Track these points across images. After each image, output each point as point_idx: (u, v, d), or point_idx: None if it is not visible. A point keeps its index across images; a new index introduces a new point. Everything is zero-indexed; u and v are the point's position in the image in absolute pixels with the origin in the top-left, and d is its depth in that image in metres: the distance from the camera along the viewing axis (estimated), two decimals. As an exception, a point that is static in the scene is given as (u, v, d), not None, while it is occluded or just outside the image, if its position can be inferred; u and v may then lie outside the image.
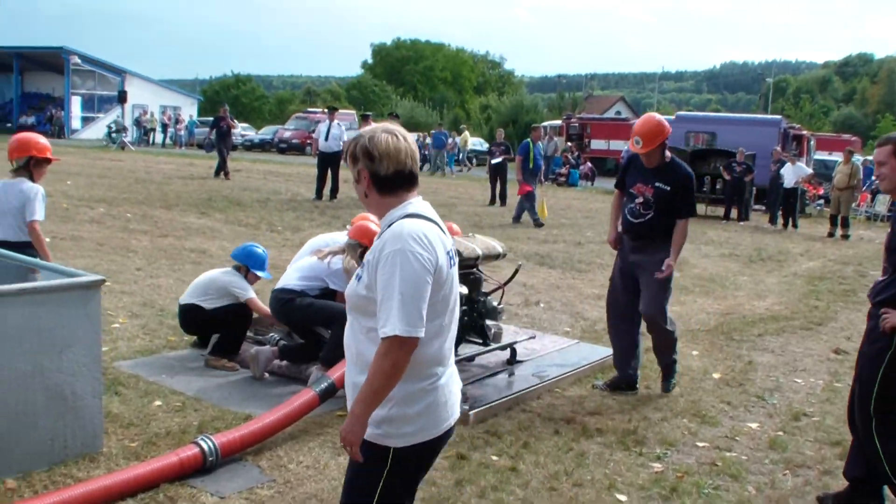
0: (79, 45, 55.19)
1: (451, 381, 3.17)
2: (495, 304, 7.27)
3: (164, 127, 53.64)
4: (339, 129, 21.46)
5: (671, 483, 5.26)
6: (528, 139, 19.92)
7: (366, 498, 3.07)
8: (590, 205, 25.94)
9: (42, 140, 6.74)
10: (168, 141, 53.34)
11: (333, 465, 5.24)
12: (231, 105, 52.10)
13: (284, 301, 6.76)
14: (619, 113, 69.41)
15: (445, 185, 30.45)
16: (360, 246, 6.64)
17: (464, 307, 6.79)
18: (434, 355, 3.04)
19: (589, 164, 38.54)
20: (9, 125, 53.68)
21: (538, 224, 18.74)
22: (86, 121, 54.59)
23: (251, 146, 51.48)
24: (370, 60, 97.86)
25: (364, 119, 21.83)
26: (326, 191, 21.34)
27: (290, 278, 6.90)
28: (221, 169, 26.02)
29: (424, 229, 2.97)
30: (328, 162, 21.30)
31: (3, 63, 56.27)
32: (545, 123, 46.48)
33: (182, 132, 53.21)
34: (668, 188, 6.58)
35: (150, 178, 25.03)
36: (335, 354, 6.23)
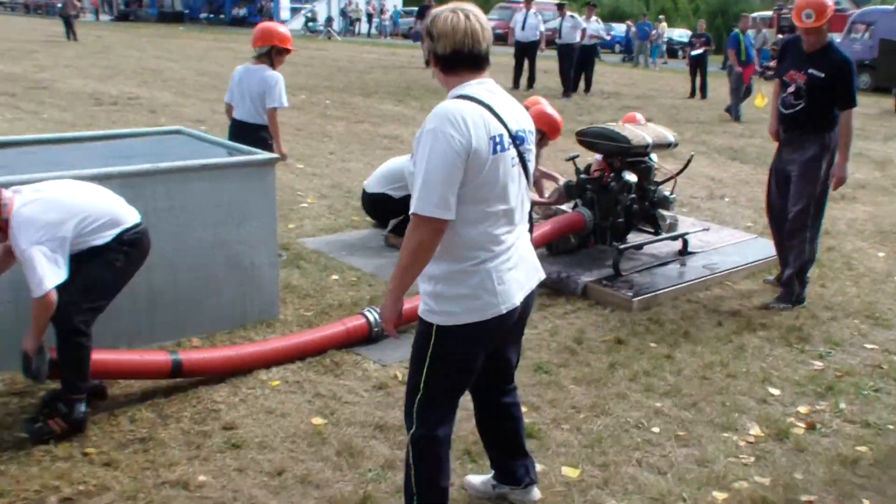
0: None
1: (506, 268, 3.08)
2: (667, 193, 7.13)
3: (370, 17, 54.36)
4: (536, 19, 21.12)
5: (829, 381, 5.11)
6: (737, 29, 19.00)
7: (417, 376, 3.19)
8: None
9: (283, 30, 6.91)
10: (373, 31, 54.13)
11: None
12: (440, -1, 52.08)
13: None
14: (837, 3, 64.90)
15: (647, 77, 29.62)
16: (538, 132, 6.64)
17: (632, 196, 6.72)
18: (476, 239, 3.01)
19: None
20: (221, 16, 55.95)
21: (737, 117, 18.01)
22: (294, 11, 55.90)
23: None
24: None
25: (559, 8, 21.37)
26: (523, 80, 21.19)
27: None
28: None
29: (464, 111, 2.91)
30: (525, 51, 21.06)
31: (218, -44, 58.28)
32: (754, 14, 44.09)
33: (387, 22, 53.84)
34: (823, 75, 5.93)
35: (351, 67, 25.65)
36: None
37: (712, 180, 11.12)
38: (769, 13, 45.86)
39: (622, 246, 6.61)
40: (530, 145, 3.14)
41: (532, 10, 21.10)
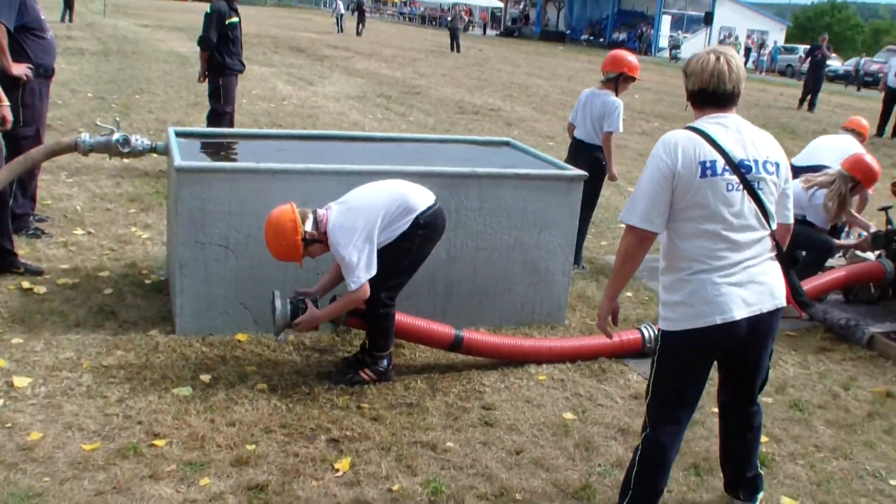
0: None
1: (725, 283, 3.35)
2: None
3: (748, 51, 53.30)
4: (912, 65, 20.00)
5: None
6: None
7: (649, 378, 3.64)
8: None
9: (633, 59, 7.32)
10: (750, 65, 52.98)
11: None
12: (820, 33, 50.25)
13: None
14: None
15: None
16: (852, 180, 6.62)
17: None
18: (691, 252, 3.36)
19: None
20: (601, 40, 57.17)
21: None
22: (671, 39, 56.03)
23: (833, 77, 49.20)
24: None
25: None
26: (889, 127, 20.10)
27: None
28: (803, 100, 25.05)
29: (679, 137, 3.33)
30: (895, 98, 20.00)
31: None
32: None
33: (765, 57, 52.55)
34: None
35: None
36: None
37: None
38: None
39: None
40: (763, 174, 3.37)
41: (908, 55, 19.97)
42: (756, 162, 3.38)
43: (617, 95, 7.15)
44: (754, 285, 3.42)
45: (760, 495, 3.95)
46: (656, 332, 5.42)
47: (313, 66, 23.58)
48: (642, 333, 5.55)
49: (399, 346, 5.27)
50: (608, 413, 4.81)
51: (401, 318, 4.92)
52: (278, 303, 4.67)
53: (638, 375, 5.32)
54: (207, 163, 5.55)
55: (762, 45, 53.70)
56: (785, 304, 3.55)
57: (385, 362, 4.91)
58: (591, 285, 6.89)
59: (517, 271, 5.80)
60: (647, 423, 3.59)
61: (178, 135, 6.05)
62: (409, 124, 14.36)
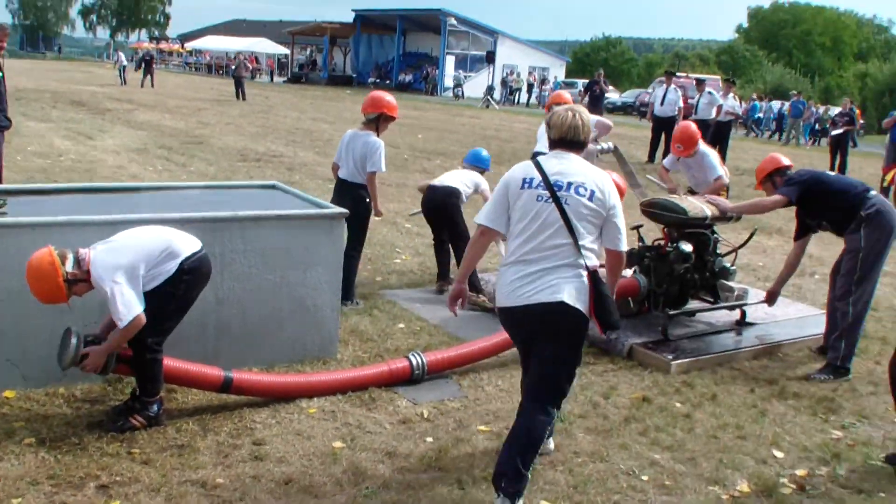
0: (456, 7, 58.03)
1: (515, 274, 4.23)
2: (727, 264, 7.43)
3: (530, 87, 55.55)
4: (676, 94, 21.50)
5: (839, 449, 5.32)
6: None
7: None
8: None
9: (390, 99, 7.65)
10: (533, 101, 55.25)
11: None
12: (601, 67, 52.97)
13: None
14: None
15: (792, 156, 29.15)
16: None
17: (686, 265, 7.05)
18: (509, 248, 4.32)
19: None
20: (388, 82, 58.24)
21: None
22: (455, 79, 57.64)
23: (613, 109, 51.97)
24: (745, 24, 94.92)
25: (698, 84, 21.74)
26: (659, 154, 21.49)
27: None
28: None
29: (519, 165, 4.42)
30: (662, 126, 21.42)
31: (388, 24, 61.10)
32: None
33: (546, 92, 54.85)
34: None
35: (496, 136, 26.52)
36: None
37: (810, 257, 11.15)
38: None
39: (672, 312, 6.97)
40: (570, 193, 4.20)
41: (672, 86, 21.48)
42: (562, 182, 4.21)
43: (378, 135, 7.40)
44: (543, 282, 4.16)
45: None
46: (424, 360, 5.74)
47: (94, 120, 22.94)
48: (410, 361, 5.79)
49: (171, 389, 5.30)
50: (376, 439, 5.00)
51: (169, 362, 4.96)
52: (73, 339, 4.65)
53: (407, 401, 5.55)
54: (-43, 220, 5.39)
55: (543, 81, 56.15)
56: (572, 304, 4.15)
57: (155, 407, 4.93)
58: (364, 320, 7.09)
59: (286, 310, 5.94)
60: None
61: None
62: (190, 174, 14.25)
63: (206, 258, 4.93)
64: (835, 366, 6.59)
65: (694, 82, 23.99)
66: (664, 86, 21.89)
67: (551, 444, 4.97)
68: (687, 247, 7.04)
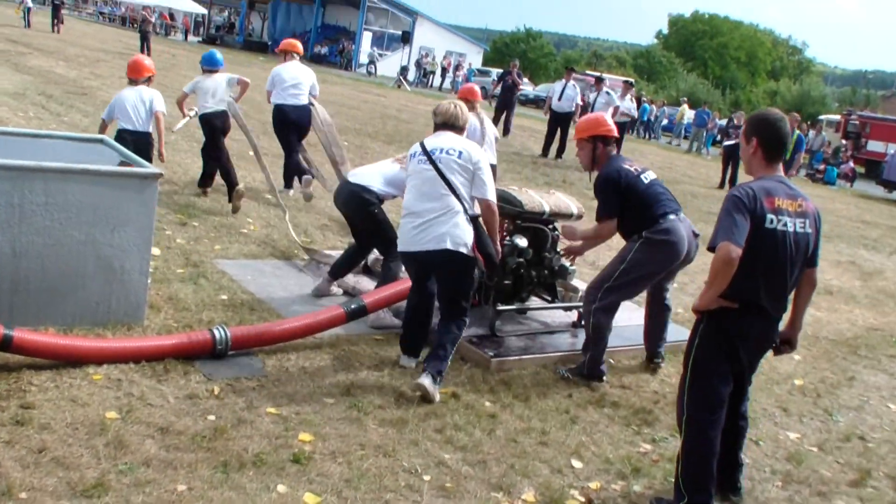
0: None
1: (408, 225, 5.70)
2: (566, 263, 7.33)
3: (444, 71, 55.34)
4: (574, 91, 21.60)
5: (641, 464, 5.26)
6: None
7: None
8: (831, 205, 24.26)
9: (148, 62, 9.30)
10: (446, 85, 55.09)
11: (326, 373, 5.77)
12: (517, 59, 52.97)
13: (365, 202, 6.92)
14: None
15: (690, 164, 29.78)
16: None
17: (519, 260, 6.95)
18: (404, 203, 5.85)
19: (851, 164, 36.15)
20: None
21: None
22: (370, 56, 57.06)
23: (525, 101, 52.08)
24: (665, 31, 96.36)
25: (597, 82, 22.08)
26: (553, 149, 21.56)
27: (374, 181, 6.99)
28: (496, 122, 25.40)
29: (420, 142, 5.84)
30: (559, 121, 21.51)
31: (308, -7, 60.05)
32: (823, 117, 44.13)
33: (460, 79, 54.76)
34: None
35: (397, 116, 26.27)
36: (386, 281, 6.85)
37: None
38: (837, 117, 45.78)
39: (501, 307, 6.87)
40: (442, 155, 5.65)
41: (571, 83, 21.56)
42: (439, 150, 5.66)
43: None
44: (430, 232, 5.57)
45: None
46: (228, 335, 5.54)
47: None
48: (213, 334, 5.57)
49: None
50: (155, 412, 4.79)
51: None
52: None
53: (202, 376, 5.35)
54: None
55: (458, 66, 55.97)
56: (454, 250, 5.56)
57: None
58: (186, 287, 6.85)
59: (90, 269, 5.67)
60: None
61: None
62: (61, 124, 13.69)
63: None
64: (581, 371, 6.52)
65: (593, 80, 24.07)
66: (563, 81, 21.93)
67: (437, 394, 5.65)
68: (522, 241, 6.93)
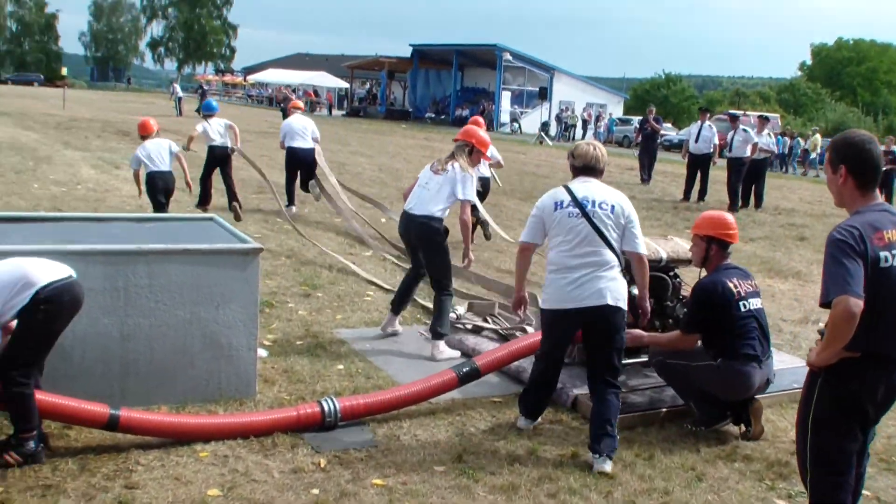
0: (511, 43, 58.14)
1: (564, 282, 5.36)
2: None
3: (585, 123, 55.19)
4: (710, 132, 20.99)
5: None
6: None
7: None
8: None
9: (153, 122, 11.91)
10: (588, 137, 54.86)
11: (439, 440, 5.59)
12: (659, 105, 52.24)
13: (434, 231, 7.33)
14: None
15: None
16: (466, 145, 7.47)
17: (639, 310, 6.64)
18: (552, 259, 5.44)
19: None
20: (443, 117, 58.33)
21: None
22: (511, 115, 57.41)
23: (669, 146, 51.12)
24: (808, 62, 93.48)
25: (732, 120, 21.41)
26: (695, 192, 20.98)
27: (433, 207, 7.26)
28: (643, 172, 25.05)
29: (549, 193, 5.61)
30: (697, 164, 20.90)
31: (445, 59, 61.26)
32: None
33: (601, 129, 54.54)
34: None
35: (535, 172, 26.21)
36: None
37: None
38: None
39: (624, 361, 6.56)
40: (595, 209, 5.37)
41: (707, 123, 21.01)
42: (590, 200, 5.37)
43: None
44: (588, 287, 5.30)
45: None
46: (337, 406, 5.46)
47: (131, 150, 23.10)
48: (322, 407, 5.52)
49: (66, 425, 5.13)
50: (258, 488, 4.73)
51: (49, 397, 4.79)
52: None
53: (310, 449, 5.27)
54: None
55: (599, 118, 55.79)
56: (614, 304, 5.32)
57: (32, 444, 4.72)
58: (302, 360, 6.83)
59: (197, 347, 5.72)
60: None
61: None
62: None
63: (68, 286, 4.70)
64: (702, 420, 6.14)
65: (728, 118, 23.40)
66: (699, 122, 21.41)
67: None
68: (633, 290, 6.62)
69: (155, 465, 4.89)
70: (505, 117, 57.04)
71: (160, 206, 11.57)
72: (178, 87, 48.03)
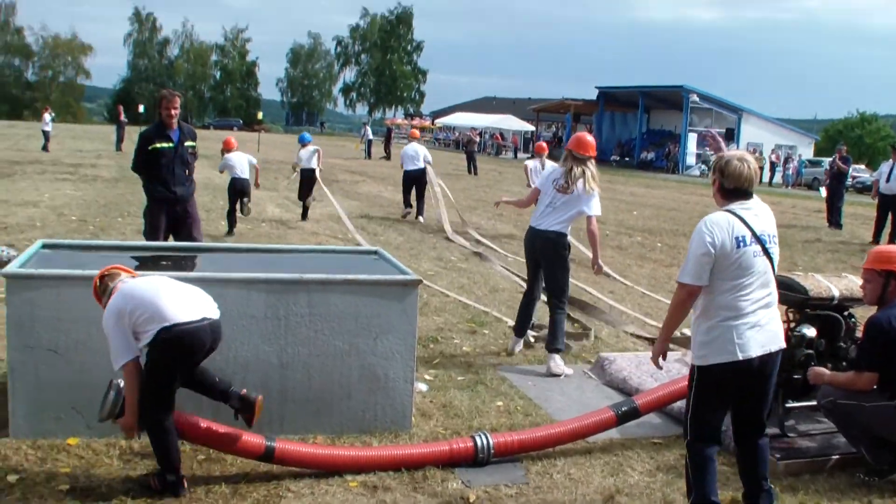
0: (701, 84, 57.12)
1: (745, 329, 4.52)
2: None
3: (773, 165, 53.41)
4: (913, 171, 19.77)
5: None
6: None
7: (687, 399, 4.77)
8: None
9: (234, 140, 15.74)
10: (777, 180, 53.09)
11: (592, 479, 5.37)
12: (852, 146, 49.87)
13: (561, 246, 7.77)
14: None
15: None
16: (587, 159, 7.71)
17: (809, 352, 6.24)
18: (725, 303, 4.52)
19: None
20: (627, 159, 57.68)
21: None
22: (699, 156, 56.14)
23: (862, 188, 48.67)
24: None
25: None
26: (885, 234, 19.78)
27: (559, 223, 7.73)
28: (830, 215, 23.73)
29: (717, 220, 4.53)
30: (889, 205, 19.66)
31: (631, 102, 60.69)
32: None
33: (790, 171, 52.66)
34: None
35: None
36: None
37: None
38: None
39: (790, 404, 6.19)
40: (772, 245, 4.64)
41: (899, 162, 19.79)
42: (770, 236, 4.64)
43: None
44: (767, 330, 4.63)
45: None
46: (490, 442, 5.37)
47: (316, 190, 24.00)
48: (475, 442, 5.43)
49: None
50: (405, 521, 4.68)
51: (210, 425, 4.89)
52: (112, 392, 4.66)
53: (461, 483, 5.19)
54: (33, 270, 5.59)
55: (787, 160, 53.90)
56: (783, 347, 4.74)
57: (170, 476, 4.77)
58: (462, 394, 6.77)
59: (354, 378, 5.75)
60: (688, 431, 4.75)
61: (46, 246, 6.28)
62: (376, 242, 14.46)
63: (194, 331, 4.63)
64: (875, 470, 5.64)
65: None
66: (890, 161, 20.15)
67: None
68: (810, 331, 6.24)
69: (305, 493, 4.91)
70: (691, 160, 55.86)
71: (236, 201, 15.04)
72: (369, 130, 49.31)
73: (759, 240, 4.55)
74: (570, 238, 7.87)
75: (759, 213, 4.65)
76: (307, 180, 17.74)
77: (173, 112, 8.50)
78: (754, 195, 4.67)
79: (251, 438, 4.98)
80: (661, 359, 4.83)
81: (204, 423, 4.88)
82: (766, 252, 4.58)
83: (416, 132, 22.48)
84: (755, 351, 4.52)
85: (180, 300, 4.70)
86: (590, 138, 7.98)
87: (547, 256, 7.77)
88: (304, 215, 17.69)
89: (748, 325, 4.52)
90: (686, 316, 4.73)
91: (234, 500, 4.76)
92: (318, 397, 5.69)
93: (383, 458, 5.27)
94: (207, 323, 4.71)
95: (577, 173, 7.59)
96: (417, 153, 18.57)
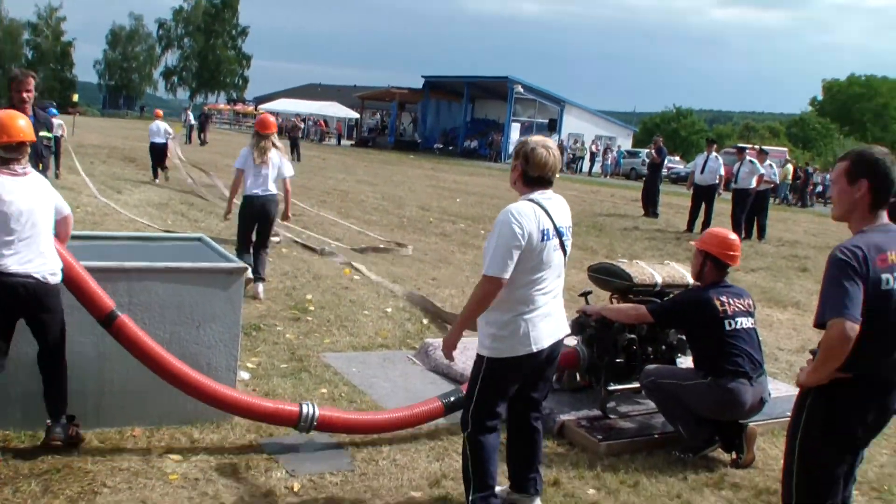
0: (525, 75, 58.48)
1: (539, 321, 4.51)
2: (683, 337, 6.83)
3: (593, 155, 55.29)
4: (717, 163, 20.90)
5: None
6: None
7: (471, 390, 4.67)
8: None
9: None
10: (596, 169, 54.97)
11: (418, 465, 5.46)
12: (668, 138, 52.11)
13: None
14: None
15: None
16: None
17: (631, 336, 6.54)
18: (523, 297, 4.46)
19: None
20: (451, 148, 58.45)
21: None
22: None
23: (676, 179, 51.10)
24: (819, 97, 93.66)
25: (739, 152, 21.48)
26: (698, 223, 20.87)
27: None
28: (646, 204, 24.84)
29: (528, 214, 4.38)
30: (703, 195, 20.82)
31: (456, 91, 61.46)
32: None
33: (609, 162, 54.63)
34: None
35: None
36: None
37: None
38: None
39: (612, 387, 6.45)
40: (567, 236, 4.60)
41: (713, 154, 20.93)
42: (567, 228, 4.61)
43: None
44: (558, 315, 4.71)
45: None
46: (315, 413, 5.33)
47: (135, 176, 23.27)
48: (301, 409, 5.39)
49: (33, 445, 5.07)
50: (226, 512, 4.63)
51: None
52: None
53: (285, 472, 5.16)
54: None
55: (607, 150, 55.90)
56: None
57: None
58: (286, 382, 6.73)
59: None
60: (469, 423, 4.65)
61: None
62: (196, 229, 14.11)
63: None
64: (689, 447, 6.05)
65: (735, 151, 23.38)
66: (704, 154, 21.34)
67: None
68: None
69: (122, 488, 4.77)
70: (511, 148, 57.05)
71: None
72: (190, 115, 48.03)
73: (558, 233, 4.50)
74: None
75: (558, 203, 4.57)
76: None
77: (26, 96, 7.39)
78: (563, 201, 4.64)
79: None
80: (452, 351, 4.65)
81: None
82: (563, 245, 4.55)
83: (160, 112, 27.49)
84: (546, 342, 4.54)
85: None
86: (272, 119, 10.48)
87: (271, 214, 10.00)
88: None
89: (540, 316, 4.51)
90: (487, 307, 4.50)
91: (45, 498, 4.58)
92: (137, 388, 5.52)
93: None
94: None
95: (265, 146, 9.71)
96: (159, 128, 23.63)
